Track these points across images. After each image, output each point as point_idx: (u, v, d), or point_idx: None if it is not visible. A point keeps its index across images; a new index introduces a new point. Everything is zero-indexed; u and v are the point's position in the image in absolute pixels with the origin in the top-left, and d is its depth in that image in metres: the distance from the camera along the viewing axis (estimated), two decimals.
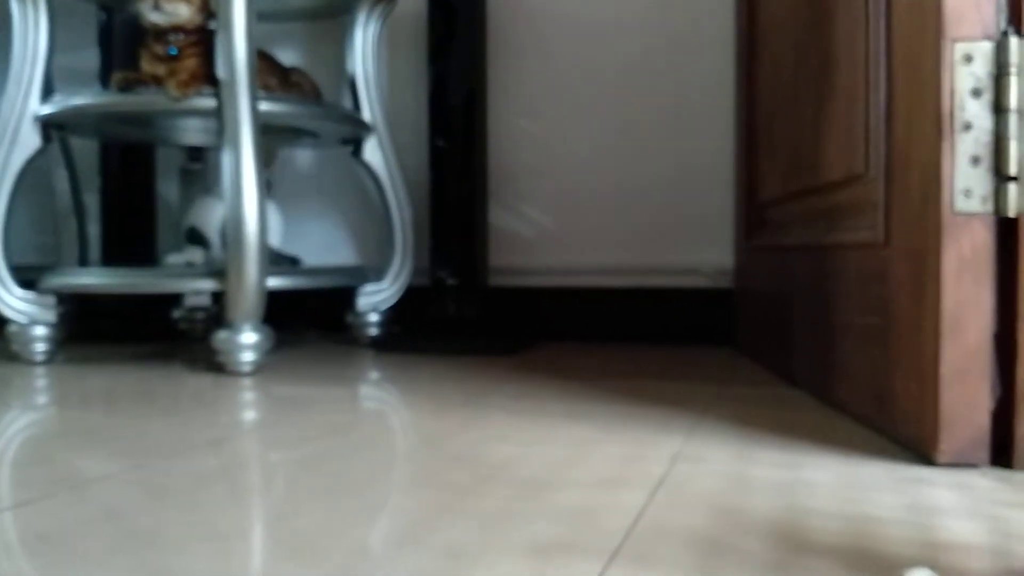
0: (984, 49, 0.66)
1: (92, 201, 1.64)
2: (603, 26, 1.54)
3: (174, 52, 1.19)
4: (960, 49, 0.66)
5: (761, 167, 1.27)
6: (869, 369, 0.81)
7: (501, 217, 1.60)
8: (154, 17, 1.19)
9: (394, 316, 1.52)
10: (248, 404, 1.00)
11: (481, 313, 1.52)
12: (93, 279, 1.28)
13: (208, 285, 1.23)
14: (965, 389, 0.66)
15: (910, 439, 0.71)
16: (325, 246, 1.69)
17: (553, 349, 1.45)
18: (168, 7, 1.18)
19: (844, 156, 0.87)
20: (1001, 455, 0.66)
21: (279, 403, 1.00)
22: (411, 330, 1.53)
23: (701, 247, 1.51)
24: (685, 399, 0.98)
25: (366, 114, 1.48)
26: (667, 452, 0.72)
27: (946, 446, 0.66)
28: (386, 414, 0.95)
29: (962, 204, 0.66)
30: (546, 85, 1.58)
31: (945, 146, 0.66)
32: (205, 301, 1.63)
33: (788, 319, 1.09)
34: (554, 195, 1.58)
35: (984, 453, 0.66)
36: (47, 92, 1.29)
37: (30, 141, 1.27)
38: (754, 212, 1.33)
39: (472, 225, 1.51)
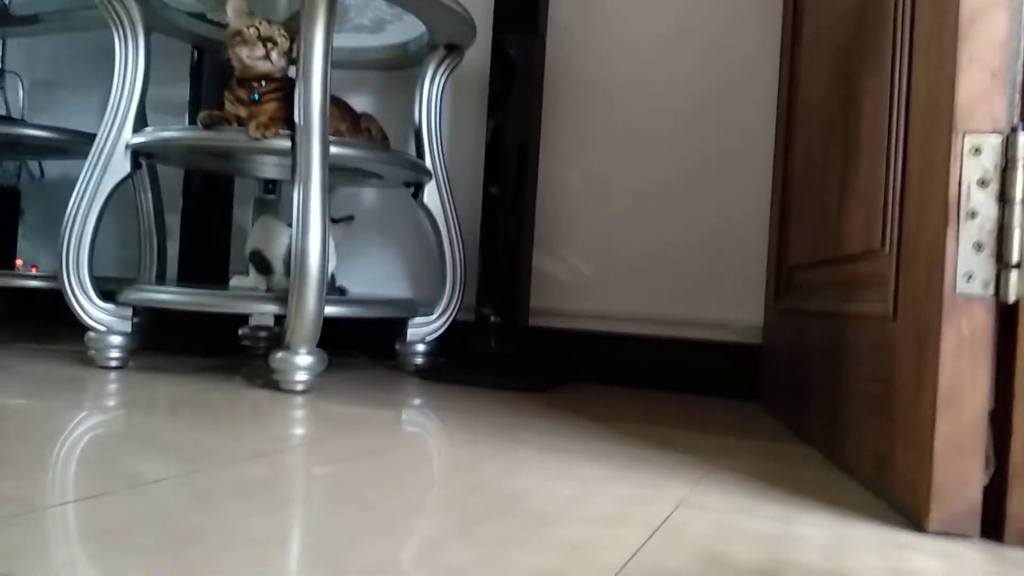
0: (993, 142, 0.68)
1: (173, 222, 1.75)
2: (650, 91, 1.60)
3: (256, 98, 1.29)
4: (970, 141, 0.69)
5: (791, 233, 1.30)
6: (872, 435, 0.83)
7: (544, 261, 1.66)
8: (259, 64, 1.29)
9: (440, 347, 1.59)
10: (298, 420, 1.07)
11: (519, 350, 1.57)
12: (168, 296, 1.36)
13: (271, 308, 1.32)
14: (959, 462, 0.68)
15: (905, 505, 0.74)
16: (382, 277, 1.78)
17: (583, 390, 1.49)
18: (274, 56, 1.29)
19: (863, 231, 0.90)
20: (992, 529, 0.68)
21: (326, 421, 1.07)
22: (454, 362, 1.60)
23: (732, 303, 1.53)
24: (700, 448, 1.02)
25: (428, 160, 1.57)
26: (673, 497, 0.77)
27: (937, 515, 0.68)
28: (422, 439, 1.01)
29: (964, 287, 0.68)
30: (594, 141, 1.64)
31: (950, 231, 0.68)
32: (268, 321, 1.73)
33: (805, 380, 1.12)
34: (595, 244, 1.63)
35: (975, 525, 0.68)
36: (140, 123, 1.40)
37: (121, 167, 1.38)
38: (783, 275, 1.35)
39: (517, 267, 1.57)
